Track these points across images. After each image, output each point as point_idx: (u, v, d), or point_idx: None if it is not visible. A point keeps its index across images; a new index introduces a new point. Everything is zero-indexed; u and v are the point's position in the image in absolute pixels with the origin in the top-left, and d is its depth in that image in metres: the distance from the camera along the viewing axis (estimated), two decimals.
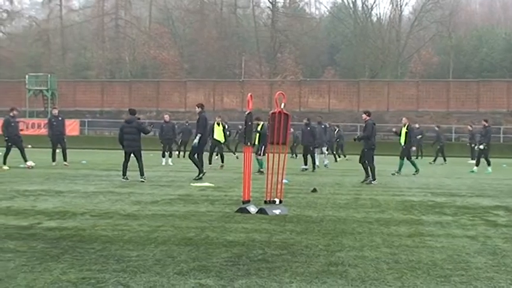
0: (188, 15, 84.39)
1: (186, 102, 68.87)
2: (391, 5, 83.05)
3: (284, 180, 14.55)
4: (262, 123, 25.32)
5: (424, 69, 75.95)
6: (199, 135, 21.72)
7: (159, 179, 21.31)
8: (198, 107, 22.08)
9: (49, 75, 68.89)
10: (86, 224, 11.01)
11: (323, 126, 31.52)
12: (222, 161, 28.39)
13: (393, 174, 25.88)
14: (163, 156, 31.20)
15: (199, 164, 21.60)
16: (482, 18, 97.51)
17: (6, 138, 25.73)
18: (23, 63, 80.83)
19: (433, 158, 39.64)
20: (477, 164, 30.09)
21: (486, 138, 29.70)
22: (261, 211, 12.66)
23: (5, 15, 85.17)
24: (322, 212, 13.18)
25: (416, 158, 43.31)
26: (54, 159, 27.73)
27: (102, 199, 14.90)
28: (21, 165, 25.91)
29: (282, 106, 13.56)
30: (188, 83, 72.27)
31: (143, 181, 19.96)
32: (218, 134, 27.93)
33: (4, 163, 25.18)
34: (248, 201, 13.13)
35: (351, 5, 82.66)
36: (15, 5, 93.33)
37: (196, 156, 21.69)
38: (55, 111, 29.11)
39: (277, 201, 13.43)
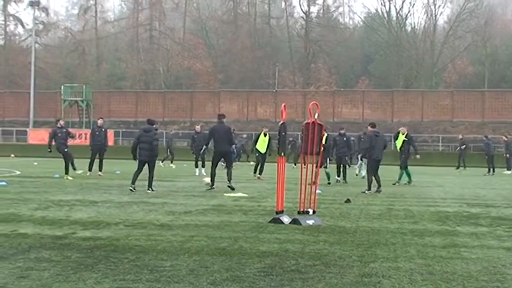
0: (222, 26, 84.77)
1: (219, 112, 68.94)
2: (425, 15, 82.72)
3: (317, 191, 14.52)
4: (326, 134, 24.69)
5: (458, 79, 75.39)
6: (204, 147, 22.92)
7: (193, 189, 21.36)
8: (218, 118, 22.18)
9: (84, 86, 69.74)
10: (119, 234, 11.06)
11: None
12: (260, 173, 28.15)
13: (405, 184, 25.97)
14: (196, 166, 31.27)
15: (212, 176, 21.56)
16: None
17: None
18: (59, 74, 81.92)
19: (487, 169, 39.06)
20: None
21: None
22: (294, 221, 12.61)
23: (41, 26, 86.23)
24: (356, 223, 13.11)
25: (457, 168, 43.15)
26: (90, 169, 27.92)
27: (135, 209, 14.96)
28: (56, 176, 26.21)
29: (316, 116, 13.54)
30: (222, 94, 72.55)
31: (148, 193, 19.52)
32: (260, 144, 27.92)
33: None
34: (281, 212, 13.10)
35: (385, 15, 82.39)
36: (51, 17, 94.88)
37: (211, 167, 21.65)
38: (100, 122, 29.26)
39: (311, 211, 13.40)
